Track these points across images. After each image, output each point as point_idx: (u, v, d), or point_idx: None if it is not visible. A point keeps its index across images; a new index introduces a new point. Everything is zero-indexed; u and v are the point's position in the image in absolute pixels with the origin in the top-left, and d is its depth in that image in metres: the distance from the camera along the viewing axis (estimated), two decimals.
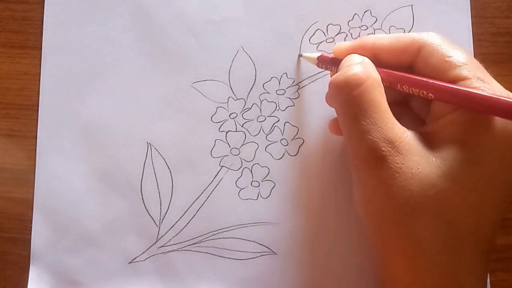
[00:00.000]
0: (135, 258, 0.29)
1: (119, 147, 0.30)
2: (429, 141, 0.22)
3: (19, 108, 0.30)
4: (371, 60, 0.24)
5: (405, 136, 0.22)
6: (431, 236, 0.21)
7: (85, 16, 0.30)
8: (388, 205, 0.22)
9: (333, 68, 0.26)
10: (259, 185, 0.29)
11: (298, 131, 0.30)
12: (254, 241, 0.29)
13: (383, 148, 0.21)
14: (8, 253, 0.30)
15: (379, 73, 0.23)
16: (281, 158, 0.29)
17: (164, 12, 0.30)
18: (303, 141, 0.29)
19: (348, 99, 0.23)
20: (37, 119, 0.30)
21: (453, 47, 0.23)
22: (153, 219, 0.29)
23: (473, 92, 0.21)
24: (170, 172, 0.29)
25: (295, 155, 0.29)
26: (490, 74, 0.23)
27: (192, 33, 0.30)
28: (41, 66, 0.30)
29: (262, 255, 0.29)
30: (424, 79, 0.22)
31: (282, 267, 0.29)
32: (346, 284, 0.28)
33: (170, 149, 0.30)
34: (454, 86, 0.21)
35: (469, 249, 0.21)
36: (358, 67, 0.23)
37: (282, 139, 0.30)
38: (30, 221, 0.29)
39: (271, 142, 0.30)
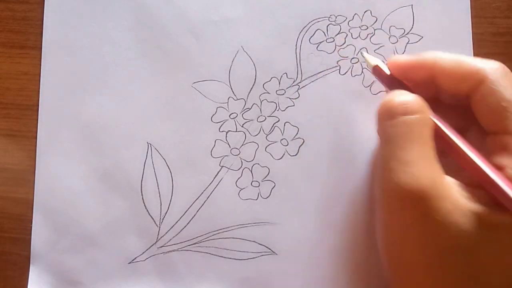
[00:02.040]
0: (135, 258, 0.29)
1: (119, 147, 0.30)
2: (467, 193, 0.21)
3: (19, 108, 0.30)
4: (428, 81, 0.23)
5: (445, 178, 0.21)
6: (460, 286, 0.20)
7: (85, 16, 0.30)
8: (415, 248, 0.21)
9: (384, 84, 0.25)
10: (259, 185, 0.29)
11: (298, 131, 0.30)
12: (254, 241, 0.29)
13: (425, 185, 0.20)
14: (8, 253, 0.30)
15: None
16: (281, 158, 0.29)
17: (164, 12, 0.30)
18: (303, 141, 0.29)
19: (399, 124, 0.21)
20: (37, 119, 0.30)
21: None
22: (153, 219, 0.29)
23: (498, 185, 0.19)
24: (170, 172, 0.29)
25: (295, 155, 0.29)
26: None
27: (192, 33, 0.30)
28: (41, 66, 0.30)
29: (262, 255, 0.29)
30: (460, 147, 0.21)
31: (282, 267, 0.29)
32: (346, 284, 0.28)
33: (170, 149, 0.30)
34: (486, 170, 0.20)
35: None
36: (415, 97, 0.22)
37: (282, 139, 0.30)
38: (30, 221, 0.29)
39: (271, 142, 0.30)
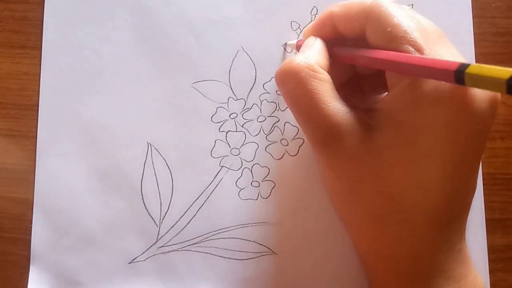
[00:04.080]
0: (135, 258, 0.29)
1: (119, 147, 0.30)
2: (374, 118, 0.23)
3: (19, 108, 0.30)
4: (335, 35, 0.25)
5: (345, 119, 0.23)
6: (380, 211, 0.23)
7: (85, 16, 0.30)
8: (335, 185, 0.24)
9: None
10: (259, 185, 0.29)
11: (298, 131, 0.30)
12: (254, 241, 0.29)
13: (322, 136, 0.23)
14: (8, 253, 0.30)
15: (329, 51, 0.25)
16: (281, 158, 0.29)
17: (164, 12, 0.30)
18: (303, 141, 0.29)
19: (286, 92, 0.24)
20: (37, 119, 0.30)
21: (402, 13, 0.23)
22: (153, 219, 0.29)
23: (401, 56, 0.21)
24: (170, 172, 0.29)
25: (295, 155, 0.29)
26: None
27: (192, 33, 0.30)
28: (41, 66, 0.30)
29: (262, 255, 0.29)
30: (352, 50, 0.23)
31: (282, 267, 0.29)
32: (346, 283, 0.28)
33: (170, 149, 0.30)
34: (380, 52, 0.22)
35: (421, 221, 0.22)
36: (298, 57, 0.23)
37: (282, 139, 0.30)
38: (30, 221, 0.29)
39: (271, 142, 0.30)
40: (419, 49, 0.21)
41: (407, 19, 0.22)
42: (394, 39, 0.22)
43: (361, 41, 0.24)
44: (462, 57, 0.23)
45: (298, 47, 0.28)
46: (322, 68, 0.23)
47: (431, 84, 0.21)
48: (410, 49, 0.21)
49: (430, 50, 0.21)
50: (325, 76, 0.23)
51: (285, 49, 0.30)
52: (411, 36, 0.22)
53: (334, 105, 0.23)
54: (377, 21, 0.23)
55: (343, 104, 0.23)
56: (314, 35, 0.26)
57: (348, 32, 0.24)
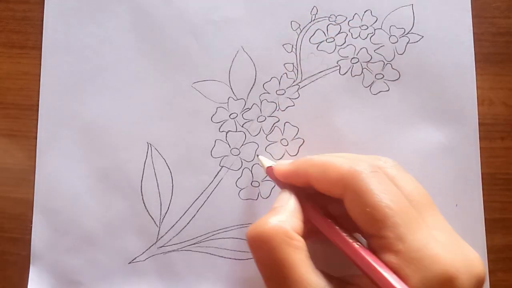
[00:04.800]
0: (135, 258, 0.29)
1: (119, 147, 0.30)
2: None
3: (19, 108, 0.30)
4: (307, 186, 0.24)
5: None
6: None
7: (85, 16, 0.30)
8: None
9: (276, 183, 0.27)
10: (259, 185, 0.29)
11: (298, 131, 0.30)
12: None
13: None
14: (8, 253, 0.30)
15: (305, 211, 0.23)
16: (281, 158, 0.29)
17: (164, 12, 0.30)
18: (303, 141, 0.29)
19: (258, 258, 0.22)
20: (37, 119, 0.30)
21: (382, 187, 0.21)
22: (153, 219, 0.29)
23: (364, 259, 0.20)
24: (170, 172, 0.29)
25: (295, 155, 0.29)
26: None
27: (192, 33, 0.30)
28: (41, 66, 0.30)
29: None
30: (333, 232, 0.22)
31: None
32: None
33: (170, 149, 0.30)
34: (356, 247, 0.21)
35: None
36: (272, 218, 0.22)
37: (282, 139, 0.30)
38: (30, 221, 0.29)
39: (271, 142, 0.30)
40: (399, 237, 0.20)
41: (387, 197, 0.21)
42: (374, 222, 0.21)
43: (339, 204, 0.23)
44: (448, 226, 0.22)
45: (268, 173, 0.27)
46: (297, 232, 0.22)
47: None
48: (391, 236, 0.20)
49: (412, 236, 0.20)
50: (301, 243, 0.21)
51: (257, 156, 0.29)
52: (391, 221, 0.20)
53: (310, 278, 0.21)
54: (355, 196, 0.21)
55: (319, 276, 0.21)
56: (287, 182, 0.25)
57: (325, 193, 0.23)
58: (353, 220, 0.22)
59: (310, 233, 0.23)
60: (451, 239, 0.21)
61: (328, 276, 0.22)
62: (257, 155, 0.29)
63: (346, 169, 0.22)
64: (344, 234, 0.22)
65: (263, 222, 0.22)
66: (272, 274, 0.21)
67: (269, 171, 0.27)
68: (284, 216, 0.22)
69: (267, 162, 0.27)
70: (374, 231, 0.21)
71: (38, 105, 0.30)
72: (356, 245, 0.21)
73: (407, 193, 0.22)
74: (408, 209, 0.21)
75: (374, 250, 0.21)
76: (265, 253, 0.21)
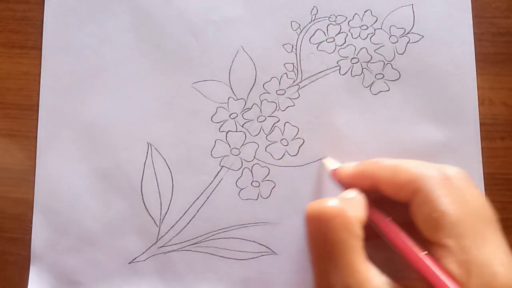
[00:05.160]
0: (135, 258, 0.29)
1: (119, 147, 0.30)
2: None
3: (19, 108, 0.30)
4: (372, 189, 0.24)
5: (372, 283, 0.20)
6: None
7: (85, 16, 0.30)
8: None
9: (340, 186, 0.26)
10: (259, 185, 0.29)
11: (298, 131, 0.30)
12: (254, 241, 0.29)
13: None
14: (8, 253, 0.30)
15: (369, 212, 0.23)
16: (281, 158, 0.29)
17: (164, 12, 0.30)
18: (303, 141, 0.29)
19: (313, 233, 0.22)
20: (37, 119, 0.30)
21: (452, 197, 0.21)
22: (153, 219, 0.29)
23: (429, 270, 0.20)
24: (171, 172, 0.29)
25: (295, 155, 0.29)
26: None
27: (192, 33, 0.30)
28: (41, 66, 0.30)
29: (262, 255, 0.29)
30: (398, 236, 0.22)
31: (282, 267, 0.29)
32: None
33: (170, 149, 0.30)
34: (420, 257, 0.20)
35: None
36: (334, 201, 0.22)
37: (282, 139, 0.30)
38: (30, 221, 0.29)
39: (271, 142, 0.30)
40: (463, 249, 0.20)
41: (457, 207, 0.21)
42: (439, 229, 0.21)
43: (403, 206, 0.23)
44: (507, 248, 0.21)
45: (333, 175, 0.27)
46: (358, 223, 0.22)
47: None
48: (454, 246, 0.20)
49: (477, 251, 0.20)
50: (360, 232, 0.21)
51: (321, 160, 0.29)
52: (457, 231, 0.20)
53: (361, 266, 0.21)
54: (424, 200, 0.21)
55: (370, 266, 0.21)
56: (352, 184, 0.25)
57: (391, 196, 0.23)
58: (416, 225, 0.22)
59: (367, 234, 0.23)
60: (510, 260, 0.21)
61: (378, 271, 0.21)
62: (321, 159, 0.29)
63: (417, 173, 0.22)
64: (407, 238, 0.22)
65: (326, 200, 0.22)
66: (323, 253, 0.21)
67: (334, 173, 0.26)
68: (349, 202, 0.22)
69: (331, 164, 0.27)
70: (438, 238, 0.21)
71: (38, 105, 0.30)
72: (418, 250, 0.21)
73: (475, 208, 0.22)
74: (475, 223, 0.21)
75: (435, 257, 0.21)
76: (321, 231, 0.21)
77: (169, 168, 0.29)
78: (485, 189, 0.29)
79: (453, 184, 0.22)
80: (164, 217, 0.29)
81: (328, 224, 0.21)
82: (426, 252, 0.21)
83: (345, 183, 0.25)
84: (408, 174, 0.22)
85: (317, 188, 0.29)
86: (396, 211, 0.23)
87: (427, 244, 0.22)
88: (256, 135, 0.30)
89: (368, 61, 0.30)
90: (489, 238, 0.21)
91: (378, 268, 0.22)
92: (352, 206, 0.22)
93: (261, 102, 0.30)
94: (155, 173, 0.29)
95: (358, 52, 0.30)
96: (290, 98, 0.30)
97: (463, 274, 0.20)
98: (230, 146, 0.30)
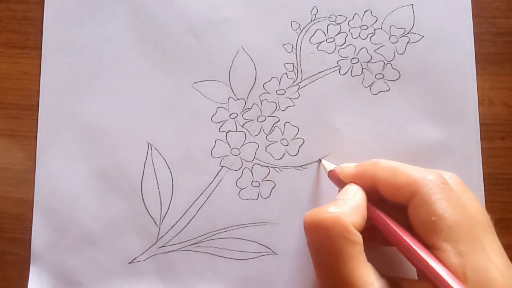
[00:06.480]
0: (135, 258, 0.29)
1: (119, 147, 0.30)
2: None
3: (19, 108, 0.30)
4: (372, 187, 0.24)
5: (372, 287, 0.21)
6: None
7: (85, 16, 0.30)
8: None
9: (338, 187, 0.27)
10: (259, 185, 0.29)
11: (298, 131, 0.30)
12: (254, 241, 0.29)
13: None
14: (8, 253, 0.30)
15: (369, 211, 0.23)
16: (281, 158, 0.29)
17: (164, 12, 0.30)
18: (303, 141, 0.29)
19: (312, 243, 0.22)
20: (37, 119, 0.30)
21: (450, 201, 0.21)
22: (153, 219, 0.29)
23: (431, 268, 0.20)
24: (171, 172, 0.29)
25: (295, 155, 0.29)
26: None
27: (192, 33, 0.30)
28: (41, 66, 0.30)
29: (262, 255, 0.29)
30: (398, 233, 0.22)
31: (282, 267, 0.29)
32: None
33: (170, 149, 0.30)
34: (421, 254, 0.21)
35: None
36: (331, 208, 0.22)
37: (282, 139, 0.30)
38: (30, 221, 0.29)
39: (271, 142, 0.30)
40: (459, 253, 0.20)
41: (455, 211, 0.21)
42: (436, 232, 0.21)
43: (402, 208, 0.23)
44: (504, 252, 0.22)
45: (331, 176, 0.27)
46: (356, 228, 0.22)
47: None
48: (451, 250, 0.20)
49: (472, 256, 0.20)
50: (358, 238, 0.21)
51: (319, 161, 0.29)
52: (454, 235, 0.20)
53: (360, 272, 0.21)
54: (422, 203, 0.21)
55: (370, 271, 0.21)
56: (349, 179, 0.25)
57: (390, 197, 0.23)
58: (413, 227, 0.22)
59: (368, 232, 0.23)
60: (507, 265, 0.21)
61: (379, 273, 0.22)
62: (320, 160, 0.29)
63: (416, 176, 0.22)
64: (409, 236, 0.22)
65: (323, 210, 0.22)
66: (323, 261, 0.22)
67: (332, 174, 0.27)
68: (346, 208, 0.22)
69: (329, 165, 0.28)
70: (434, 241, 0.21)
71: (38, 105, 0.30)
72: (421, 247, 0.21)
73: (471, 212, 0.22)
74: (472, 228, 0.21)
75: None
76: (320, 241, 0.22)
77: (169, 168, 0.29)
78: (485, 189, 0.29)
79: (451, 188, 0.22)
80: (164, 217, 0.29)
81: (326, 233, 0.21)
82: (422, 248, 0.21)
83: (344, 184, 0.25)
84: (407, 176, 0.22)
85: (317, 188, 0.29)
86: (394, 213, 0.24)
87: (425, 247, 0.22)
88: (256, 135, 0.30)
89: (368, 61, 0.30)
90: (485, 243, 0.21)
91: (379, 268, 0.22)
92: (350, 210, 0.22)
93: (261, 102, 0.30)
94: (155, 173, 0.29)
95: (358, 52, 0.30)
96: (290, 98, 0.30)
97: (459, 278, 0.20)
98: (230, 146, 0.30)
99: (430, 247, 0.21)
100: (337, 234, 0.21)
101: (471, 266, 0.20)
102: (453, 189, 0.22)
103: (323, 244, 0.22)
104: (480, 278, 0.20)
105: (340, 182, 0.26)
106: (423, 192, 0.22)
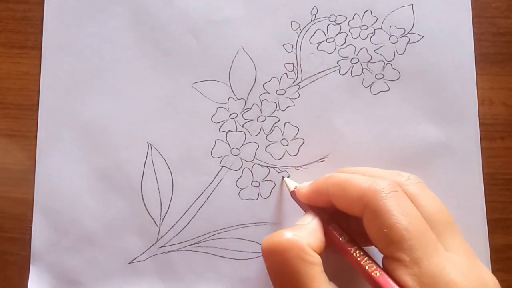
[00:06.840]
0: (135, 258, 0.29)
1: (119, 147, 0.30)
2: None
3: (19, 108, 0.30)
4: (329, 202, 0.24)
5: None
6: None
7: (85, 16, 0.30)
8: None
9: (300, 206, 0.27)
10: (259, 185, 0.29)
11: (298, 131, 0.30)
12: (254, 241, 0.29)
13: None
14: (8, 253, 0.30)
15: (325, 234, 0.23)
16: (281, 158, 0.29)
17: (164, 12, 0.30)
18: (303, 141, 0.29)
19: (270, 267, 0.22)
20: (37, 119, 0.30)
21: (400, 208, 0.21)
22: (153, 219, 0.29)
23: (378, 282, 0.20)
24: (171, 172, 0.29)
25: (295, 155, 0.29)
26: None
27: (192, 33, 0.30)
28: (41, 66, 0.30)
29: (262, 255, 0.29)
30: (352, 255, 0.22)
31: None
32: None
33: (170, 149, 0.30)
34: (372, 274, 0.21)
35: None
36: (288, 233, 0.22)
37: (282, 139, 0.30)
38: (30, 221, 0.29)
39: (271, 142, 0.30)
40: (415, 261, 0.20)
41: (406, 218, 0.21)
42: (391, 243, 0.21)
43: (360, 221, 0.23)
44: (467, 248, 0.22)
45: (293, 196, 0.27)
46: (314, 250, 0.22)
47: None
48: (406, 259, 0.20)
49: (428, 261, 0.20)
50: (316, 259, 0.22)
51: (283, 178, 0.29)
52: (408, 244, 0.20)
53: None
54: (373, 216, 0.21)
55: None
56: (311, 203, 0.25)
57: (346, 211, 0.23)
58: (371, 240, 0.22)
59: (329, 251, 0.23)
60: (469, 262, 0.21)
61: None
62: (283, 177, 0.29)
63: (365, 188, 0.22)
64: (363, 260, 0.22)
65: (279, 234, 0.22)
66: (283, 285, 0.22)
67: (293, 194, 0.27)
68: (302, 232, 0.22)
69: (292, 185, 0.28)
70: (390, 252, 0.21)
71: (38, 105, 0.30)
72: (375, 274, 0.21)
73: (427, 213, 0.22)
74: (426, 231, 0.21)
75: (390, 269, 0.21)
76: (278, 265, 0.22)
77: (169, 168, 0.29)
78: (485, 189, 0.29)
79: (402, 194, 0.22)
80: (164, 217, 0.29)
81: (284, 256, 0.21)
82: (379, 271, 0.21)
83: (303, 204, 0.26)
84: (357, 189, 0.22)
85: None
86: (356, 225, 0.24)
87: (384, 256, 0.22)
88: (256, 135, 0.30)
89: (368, 61, 0.30)
90: (444, 243, 0.21)
91: (343, 286, 0.22)
92: (306, 234, 0.22)
93: (261, 102, 0.30)
94: (155, 173, 0.29)
95: (358, 52, 0.30)
96: (290, 98, 0.30)
97: (416, 287, 0.20)
98: (230, 146, 0.30)
99: (388, 258, 0.21)
100: (295, 256, 0.21)
101: (427, 273, 0.20)
102: (406, 192, 0.22)
103: (281, 267, 0.21)
104: (437, 284, 0.20)
105: (299, 202, 0.26)
106: (373, 204, 0.21)
